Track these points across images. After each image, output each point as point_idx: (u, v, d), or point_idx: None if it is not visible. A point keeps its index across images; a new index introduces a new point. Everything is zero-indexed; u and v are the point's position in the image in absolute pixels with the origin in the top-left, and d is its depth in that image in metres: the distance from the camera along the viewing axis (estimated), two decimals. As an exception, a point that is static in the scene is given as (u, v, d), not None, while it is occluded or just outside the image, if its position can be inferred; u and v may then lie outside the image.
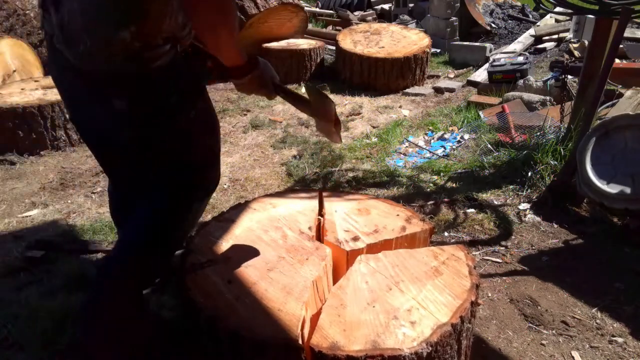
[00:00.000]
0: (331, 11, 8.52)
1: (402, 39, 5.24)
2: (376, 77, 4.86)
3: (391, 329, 1.19)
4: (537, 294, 1.99)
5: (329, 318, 1.23)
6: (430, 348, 1.15)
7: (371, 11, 8.33)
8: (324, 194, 1.84)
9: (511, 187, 2.79)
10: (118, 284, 1.28)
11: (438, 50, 6.15)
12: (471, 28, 6.65)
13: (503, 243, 2.34)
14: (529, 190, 2.73)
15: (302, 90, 4.90)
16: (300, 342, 1.15)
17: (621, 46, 4.14)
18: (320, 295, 1.38)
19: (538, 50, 5.67)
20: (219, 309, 1.26)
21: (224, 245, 1.54)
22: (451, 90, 4.83)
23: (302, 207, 1.75)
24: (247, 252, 1.50)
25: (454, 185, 2.90)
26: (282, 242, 1.55)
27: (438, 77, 5.32)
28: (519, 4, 7.59)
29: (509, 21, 7.01)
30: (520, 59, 4.55)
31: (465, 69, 5.51)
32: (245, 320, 1.22)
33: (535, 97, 3.85)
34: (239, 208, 1.78)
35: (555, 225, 2.47)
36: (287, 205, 1.78)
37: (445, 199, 2.68)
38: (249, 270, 1.41)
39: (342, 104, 4.51)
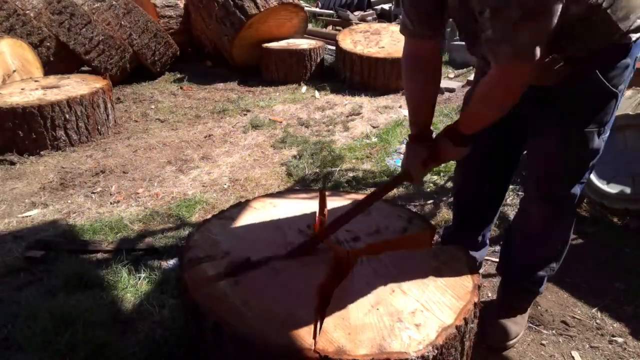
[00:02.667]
0: (331, 11, 8.52)
1: (402, 39, 5.24)
2: (376, 77, 4.86)
3: (396, 332, 1.18)
4: (538, 294, 1.99)
5: (333, 321, 1.22)
6: (436, 351, 1.14)
7: (371, 11, 8.33)
8: (327, 193, 1.84)
9: (511, 187, 2.79)
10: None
11: (438, 50, 6.15)
12: (471, 28, 6.64)
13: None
14: (529, 191, 2.73)
15: (303, 90, 4.90)
16: (313, 350, 1.13)
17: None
18: (326, 297, 1.37)
19: (538, 50, 5.67)
20: (225, 315, 1.22)
21: (224, 243, 1.53)
22: (451, 90, 4.83)
23: (303, 207, 1.75)
24: (249, 252, 1.49)
25: (454, 185, 2.90)
26: (282, 242, 1.54)
27: (438, 77, 5.32)
28: (518, 4, 7.59)
29: (509, 21, 7.01)
30: (520, 59, 4.55)
31: (465, 69, 5.51)
32: (253, 327, 1.18)
33: (535, 97, 3.85)
34: (240, 206, 1.78)
35: (556, 226, 2.47)
36: (287, 204, 1.78)
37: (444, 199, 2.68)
38: (253, 273, 1.39)
39: (342, 104, 4.51)
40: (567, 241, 1.69)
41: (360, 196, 1.89)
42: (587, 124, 1.42)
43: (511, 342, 1.72)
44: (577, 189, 1.55)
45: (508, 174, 1.81)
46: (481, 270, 2.14)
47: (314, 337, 1.17)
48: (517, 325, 1.74)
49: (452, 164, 3.14)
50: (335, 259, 1.52)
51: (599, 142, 1.46)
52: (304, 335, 1.16)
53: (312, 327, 1.18)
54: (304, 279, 1.36)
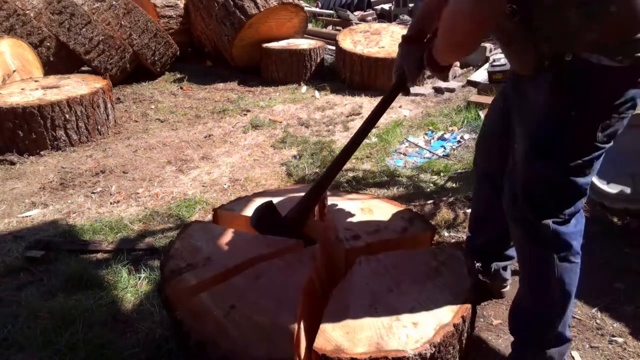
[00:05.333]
0: (331, 11, 8.52)
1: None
2: (376, 77, 4.86)
3: (394, 331, 1.19)
4: (538, 294, 1.99)
5: (331, 321, 1.22)
6: (434, 349, 1.15)
7: (371, 11, 8.33)
8: (328, 193, 1.84)
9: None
10: None
11: (438, 50, 6.15)
12: (471, 28, 6.65)
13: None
14: (529, 191, 2.73)
15: (303, 90, 4.90)
16: (295, 358, 1.12)
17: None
18: (315, 294, 1.37)
19: (538, 50, 5.67)
20: (208, 332, 1.19)
21: (205, 249, 1.48)
22: (451, 90, 4.83)
23: (287, 199, 1.74)
24: (230, 255, 1.45)
25: (454, 185, 2.90)
26: (264, 240, 1.50)
27: (438, 77, 5.32)
28: (518, 4, 7.58)
29: (509, 21, 7.00)
30: (520, 59, 4.54)
31: (465, 69, 5.52)
32: (235, 341, 1.17)
33: (535, 97, 3.85)
34: (241, 201, 1.78)
35: (556, 226, 2.47)
36: (277, 200, 1.76)
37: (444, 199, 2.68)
38: (235, 280, 1.35)
39: (342, 104, 4.51)
40: (549, 290, 1.41)
41: (360, 196, 1.89)
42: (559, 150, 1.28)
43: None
44: (551, 224, 1.34)
45: None
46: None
47: (296, 346, 1.15)
48: None
49: (451, 165, 3.13)
50: (334, 258, 1.52)
51: (583, 180, 1.32)
52: (286, 344, 1.14)
53: (293, 335, 1.16)
54: (286, 282, 1.33)
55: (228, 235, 1.55)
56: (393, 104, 4.42)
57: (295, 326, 1.18)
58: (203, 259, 1.43)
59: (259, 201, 1.77)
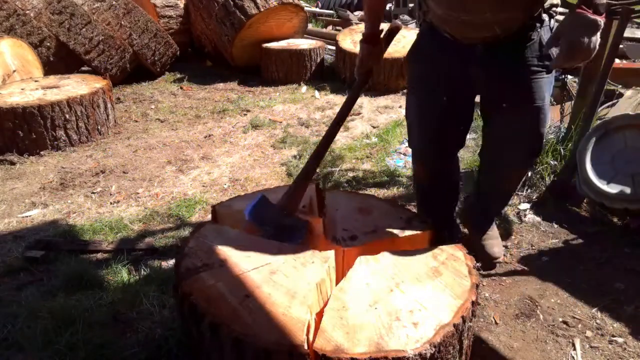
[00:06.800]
0: (331, 11, 8.53)
1: (402, 39, 5.24)
2: (376, 77, 4.86)
3: (394, 331, 1.19)
4: (537, 294, 1.99)
5: (331, 321, 1.23)
6: (434, 349, 1.15)
7: (371, 11, 8.33)
8: (327, 192, 1.84)
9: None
10: None
11: (438, 50, 6.15)
12: (471, 28, 6.65)
13: (503, 243, 2.34)
14: (529, 190, 2.73)
15: (303, 90, 4.90)
16: (305, 347, 1.14)
17: (621, 46, 4.13)
18: (324, 297, 1.38)
19: (538, 50, 5.67)
20: (222, 315, 1.23)
21: (220, 250, 1.50)
22: (451, 90, 4.83)
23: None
24: (245, 258, 1.47)
25: (454, 185, 2.90)
26: (277, 245, 1.52)
27: (438, 77, 5.32)
28: (518, 4, 7.58)
29: (509, 21, 7.00)
30: (520, 59, 4.54)
31: (465, 69, 5.52)
32: (249, 326, 1.20)
33: (535, 97, 3.85)
34: (240, 199, 1.78)
35: (555, 225, 2.47)
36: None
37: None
38: (251, 274, 1.39)
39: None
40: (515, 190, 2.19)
41: (359, 196, 1.89)
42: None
43: (498, 260, 2.15)
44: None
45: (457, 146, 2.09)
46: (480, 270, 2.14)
47: (308, 335, 1.17)
48: (498, 247, 2.14)
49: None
50: (335, 259, 1.52)
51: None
52: (298, 333, 1.17)
53: (306, 325, 1.19)
54: (299, 279, 1.36)
55: (243, 239, 1.56)
56: (393, 104, 4.43)
57: (307, 318, 1.21)
58: (219, 260, 1.45)
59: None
